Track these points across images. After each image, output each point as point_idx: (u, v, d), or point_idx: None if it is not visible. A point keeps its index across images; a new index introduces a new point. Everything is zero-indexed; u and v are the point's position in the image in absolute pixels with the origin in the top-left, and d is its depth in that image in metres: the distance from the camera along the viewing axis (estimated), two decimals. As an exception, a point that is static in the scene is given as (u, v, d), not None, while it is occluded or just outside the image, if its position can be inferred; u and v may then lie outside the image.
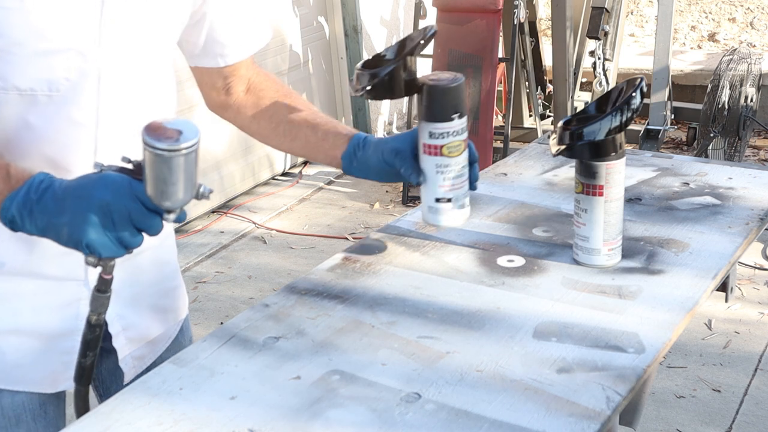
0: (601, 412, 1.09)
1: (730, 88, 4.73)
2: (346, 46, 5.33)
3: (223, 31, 1.47)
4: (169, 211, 1.13)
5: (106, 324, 1.27)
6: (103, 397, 1.51)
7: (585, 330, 1.27)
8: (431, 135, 1.35)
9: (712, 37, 6.77)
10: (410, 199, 4.68)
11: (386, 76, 1.34)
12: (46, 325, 1.34)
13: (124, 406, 1.14)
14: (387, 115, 5.82)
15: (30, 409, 1.38)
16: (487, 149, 4.36)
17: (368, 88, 1.35)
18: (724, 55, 4.94)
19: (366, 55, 5.45)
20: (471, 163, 1.43)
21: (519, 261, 1.50)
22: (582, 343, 1.24)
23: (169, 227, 1.45)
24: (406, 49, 1.35)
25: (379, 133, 5.69)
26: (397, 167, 1.40)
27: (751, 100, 4.90)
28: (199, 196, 1.15)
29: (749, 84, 4.84)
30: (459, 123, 1.34)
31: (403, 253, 1.55)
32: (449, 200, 1.38)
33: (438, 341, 1.26)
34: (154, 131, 1.08)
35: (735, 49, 5.01)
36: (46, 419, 1.40)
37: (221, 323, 1.31)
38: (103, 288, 1.17)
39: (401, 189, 4.77)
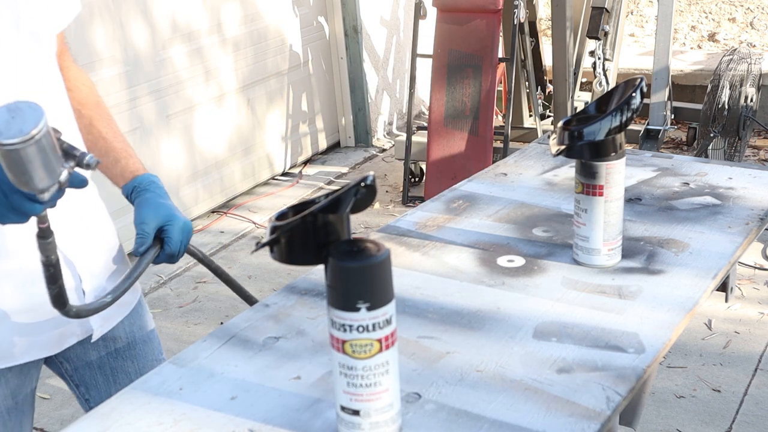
0: (601, 412, 1.09)
1: (730, 88, 4.73)
2: (346, 46, 5.33)
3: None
4: (41, 192, 1.09)
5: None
6: (79, 386, 1.61)
7: (585, 330, 1.27)
8: (333, 323, 1.02)
9: (712, 37, 6.77)
10: (410, 199, 4.67)
11: (281, 236, 1.01)
12: (11, 302, 1.39)
13: (124, 406, 1.15)
14: (387, 115, 5.82)
15: (5, 403, 1.44)
16: (487, 149, 4.36)
17: (262, 245, 1.03)
18: (724, 55, 4.94)
19: (366, 56, 5.45)
20: None
21: (519, 261, 1.50)
22: (582, 343, 1.24)
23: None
24: (342, 204, 1.00)
25: (380, 132, 5.69)
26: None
27: (751, 100, 4.90)
28: (83, 166, 1.11)
29: (749, 84, 4.84)
30: (369, 316, 0.99)
31: (403, 253, 1.55)
32: (356, 413, 1.04)
33: (438, 341, 1.26)
34: None
35: (735, 49, 5.01)
36: (16, 409, 1.48)
37: (221, 323, 1.33)
38: (44, 235, 1.18)
39: (401, 189, 4.77)
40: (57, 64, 1.44)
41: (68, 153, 1.11)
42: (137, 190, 1.49)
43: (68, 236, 1.42)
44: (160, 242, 1.47)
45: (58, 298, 1.27)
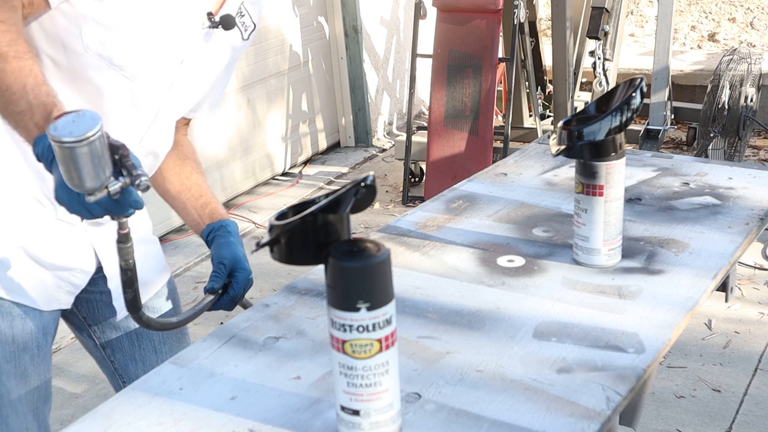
0: (601, 412, 1.09)
1: (730, 88, 4.72)
2: (346, 46, 5.33)
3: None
4: (88, 194, 1.18)
5: (101, 268, 1.55)
6: (105, 348, 1.70)
7: (585, 330, 1.27)
8: (333, 323, 1.02)
9: (712, 37, 6.77)
10: (410, 199, 4.68)
11: (281, 236, 1.01)
12: (53, 256, 1.50)
13: (124, 406, 1.15)
14: (387, 115, 5.82)
15: (36, 337, 1.53)
16: (487, 149, 4.36)
17: (262, 245, 1.03)
18: (724, 55, 4.93)
19: (366, 56, 5.45)
20: None
21: (519, 261, 1.50)
22: (582, 343, 1.24)
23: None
24: (342, 204, 1.01)
25: (380, 132, 5.69)
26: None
27: (751, 100, 4.90)
28: (135, 186, 1.20)
29: (749, 84, 4.84)
30: (369, 316, 1.00)
31: (403, 253, 1.55)
32: (356, 413, 1.05)
33: (438, 341, 1.26)
34: (56, 119, 1.15)
35: (735, 49, 5.01)
36: (45, 347, 1.56)
37: (221, 323, 1.36)
38: (122, 240, 1.30)
39: (401, 189, 4.78)
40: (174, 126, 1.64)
41: (128, 170, 1.19)
42: (223, 231, 1.65)
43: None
44: (225, 287, 1.59)
45: (133, 303, 1.36)
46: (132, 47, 1.40)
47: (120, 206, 1.21)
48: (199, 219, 1.68)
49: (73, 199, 1.20)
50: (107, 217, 1.25)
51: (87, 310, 1.66)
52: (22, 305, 1.50)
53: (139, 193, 1.21)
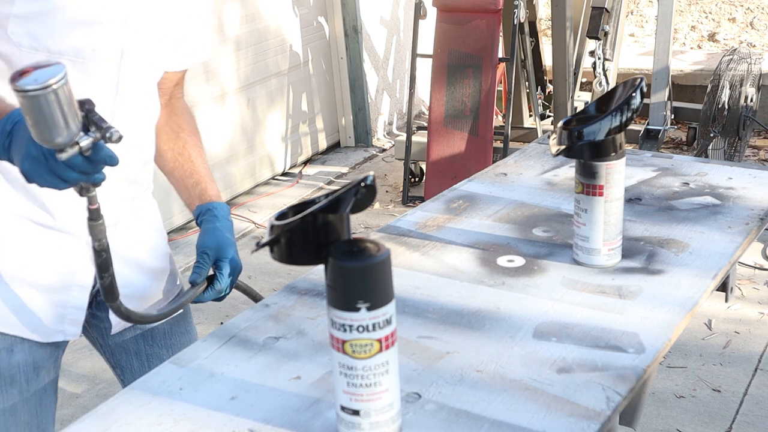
0: (601, 412, 1.09)
1: (730, 88, 4.72)
2: (346, 46, 5.33)
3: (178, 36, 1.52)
4: (60, 150, 1.13)
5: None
6: (115, 368, 1.67)
7: (585, 330, 1.27)
8: (333, 323, 1.02)
9: (712, 37, 6.77)
10: (410, 199, 4.67)
11: (281, 236, 1.01)
12: (46, 277, 1.44)
13: (124, 406, 1.15)
14: (387, 115, 5.82)
15: (24, 371, 1.46)
16: (487, 149, 4.36)
17: (262, 245, 1.03)
18: (724, 55, 4.93)
19: (366, 56, 5.45)
20: None
21: (519, 261, 1.50)
22: (582, 343, 1.24)
23: (143, 190, 1.57)
24: (342, 204, 1.00)
25: (380, 132, 5.69)
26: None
27: (751, 100, 4.90)
28: (106, 139, 1.15)
29: (749, 84, 4.84)
30: (369, 316, 0.99)
31: (403, 253, 1.55)
32: (356, 413, 1.04)
33: (438, 341, 1.26)
34: (20, 75, 1.11)
35: (735, 49, 5.01)
36: (38, 382, 1.49)
37: (221, 323, 1.35)
38: (93, 217, 1.23)
39: (401, 189, 4.77)
40: (155, 89, 1.53)
41: (97, 124, 1.14)
42: (209, 215, 1.57)
43: (120, 236, 1.47)
44: (210, 278, 1.52)
45: (110, 290, 1.29)
46: (64, 28, 1.32)
47: (93, 164, 1.16)
48: (190, 199, 1.61)
49: (42, 168, 1.15)
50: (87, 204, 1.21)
51: (97, 333, 1.61)
52: (9, 335, 1.43)
53: (111, 146, 1.16)
